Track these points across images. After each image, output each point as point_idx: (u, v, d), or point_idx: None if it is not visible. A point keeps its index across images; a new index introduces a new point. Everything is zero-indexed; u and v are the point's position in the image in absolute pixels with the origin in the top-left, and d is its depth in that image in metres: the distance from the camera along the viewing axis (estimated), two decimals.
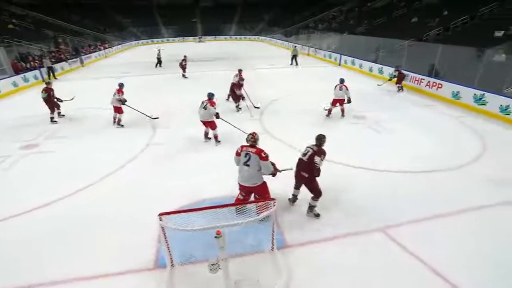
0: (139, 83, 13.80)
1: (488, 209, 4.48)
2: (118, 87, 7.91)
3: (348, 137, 7.25)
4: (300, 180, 4.36)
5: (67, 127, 8.25)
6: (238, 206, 3.28)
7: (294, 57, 18.07)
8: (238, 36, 40.68)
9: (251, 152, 3.86)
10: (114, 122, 8.08)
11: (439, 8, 17.53)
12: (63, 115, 8.99)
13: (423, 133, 7.39)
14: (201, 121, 6.66)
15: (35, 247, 3.89)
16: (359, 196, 4.79)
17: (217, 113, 6.53)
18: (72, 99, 9.06)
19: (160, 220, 3.01)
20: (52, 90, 8.41)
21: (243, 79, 9.22)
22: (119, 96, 7.75)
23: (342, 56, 17.78)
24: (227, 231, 2.84)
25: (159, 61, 18.59)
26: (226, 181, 4.96)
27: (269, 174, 3.99)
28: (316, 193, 4.18)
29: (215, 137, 6.84)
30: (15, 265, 3.62)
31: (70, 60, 17.71)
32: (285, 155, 4.96)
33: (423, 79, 11.20)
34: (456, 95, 9.70)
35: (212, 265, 2.84)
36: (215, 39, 39.78)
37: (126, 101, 7.84)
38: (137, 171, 5.79)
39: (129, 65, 19.88)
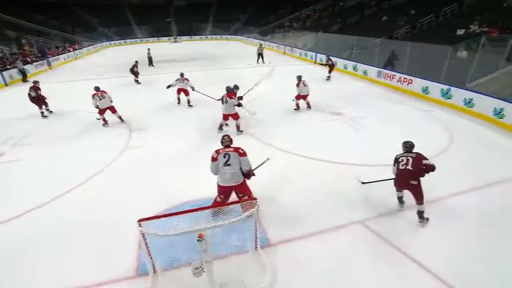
0: (116, 86, 13.29)
1: (457, 197, 4.74)
2: (96, 91, 7.87)
3: (325, 133, 7.41)
4: (405, 188, 4.25)
5: (37, 133, 7.80)
6: (217, 208, 3.25)
7: (260, 55, 18.63)
8: (214, 36, 40.26)
9: (230, 151, 3.89)
10: (106, 122, 8.07)
11: (406, 7, 18.33)
12: (51, 111, 9.23)
13: (396, 127, 7.69)
14: (224, 114, 7.07)
15: (7, 260, 3.66)
16: (337, 191, 4.92)
17: (239, 102, 7.02)
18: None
19: (140, 226, 2.92)
20: (39, 88, 8.82)
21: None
22: (108, 94, 7.97)
23: (318, 54, 18.13)
24: (210, 233, 2.81)
25: (150, 60, 18.54)
26: (206, 182, 4.88)
27: (248, 171, 3.99)
28: (422, 196, 4.08)
29: (238, 126, 7.28)
30: None
31: (36, 63, 16.68)
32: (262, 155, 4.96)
33: (395, 76, 11.67)
34: (425, 90, 10.19)
35: (195, 269, 2.80)
36: (191, 39, 39.11)
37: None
38: (114, 176, 5.59)
39: (103, 67, 19.09)
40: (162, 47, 28.60)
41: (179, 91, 9.53)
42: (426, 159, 4.07)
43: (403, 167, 4.11)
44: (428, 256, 3.56)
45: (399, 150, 6.29)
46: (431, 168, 4.01)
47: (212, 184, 4.18)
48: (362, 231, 4.03)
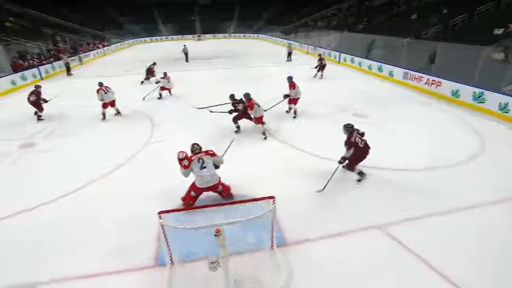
0: (134, 81, 13.79)
1: (486, 207, 4.49)
2: (100, 86, 8.32)
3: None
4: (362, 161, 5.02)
5: (66, 126, 8.24)
6: (234, 204, 3.28)
7: (290, 54, 18.99)
8: (237, 34, 40.55)
9: (202, 155, 4.28)
10: (105, 117, 8.44)
11: (438, 5, 17.50)
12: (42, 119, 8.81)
13: (423, 130, 7.39)
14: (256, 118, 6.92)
15: (35, 246, 3.90)
16: (359, 194, 4.81)
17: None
18: (55, 97, 9.23)
19: (160, 218, 3.02)
20: (40, 93, 8.73)
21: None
22: (112, 89, 8.42)
23: (341, 54, 17.76)
24: (227, 229, 2.85)
25: (186, 56, 19.82)
26: (225, 178, 4.96)
27: (221, 165, 4.48)
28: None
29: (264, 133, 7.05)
30: (18, 264, 3.63)
31: (69, 58, 17.61)
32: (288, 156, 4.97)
33: (422, 77, 11.19)
34: (455, 93, 9.70)
35: (212, 263, 2.85)
36: (214, 37, 39.65)
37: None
38: (136, 170, 5.79)
39: (130, 63, 19.84)
40: (187, 45, 29.15)
41: (162, 88, 10.54)
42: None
43: (363, 145, 4.88)
44: (451, 266, 3.40)
45: (426, 154, 6.15)
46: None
47: (233, 180, 4.23)
48: (381, 236, 3.93)
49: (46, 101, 8.79)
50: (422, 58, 11.89)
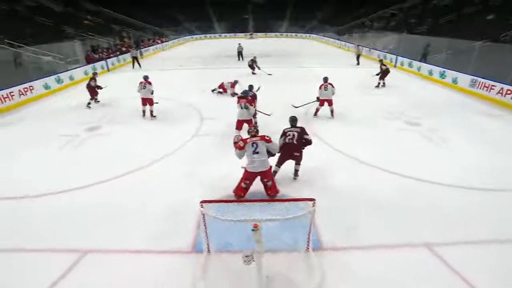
0: (194, 76, 14.60)
1: None
2: (145, 79, 8.23)
3: (398, 144, 6.80)
4: (287, 159, 4.99)
5: (123, 114, 9.05)
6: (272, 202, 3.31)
7: (358, 56, 18.09)
8: (289, 34, 40.41)
9: (256, 140, 4.26)
10: (144, 115, 8.40)
11: None
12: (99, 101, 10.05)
13: (485, 146, 6.60)
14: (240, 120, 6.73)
15: (92, 218, 4.40)
16: (405, 208, 4.49)
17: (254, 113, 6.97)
18: (106, 86, 10.07)
19: (202, 207, 3.16)
20: (95, 80, 9.73)
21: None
22: (151, 86, 8.17)
23: (399, 57, 16.62)
24: (265, 225, 2.89)
25: (240, 54, 19.56)
26: None
27: (276, 153, 4.59)
28: (300, 160, 4.98)
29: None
30: (75, 231, 4.13)
31: (135, 51, 19.14)
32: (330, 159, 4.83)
33: (494, 86, 9.95)
34: None
35: (246, 256, 2.91)
36: (266, 36, 40.03)
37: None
38: (185, 159, 6.13)
39: (185, 59, 21.07)
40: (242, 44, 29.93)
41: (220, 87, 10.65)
42: (307, 134, 4.95)
43: (290, 141, 4.81)
44: None
45: (484, 173, 5.47)
46: (309, 142, 4.94)
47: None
48: (425, 254, 3.63)
49: (100, 88, 9.82)
50: (498, 64, 10.52)
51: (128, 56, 19.10)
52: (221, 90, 10.94)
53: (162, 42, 28.75)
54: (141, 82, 8.17)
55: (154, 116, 8.42)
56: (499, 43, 13.01)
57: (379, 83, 11.71)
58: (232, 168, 5.53)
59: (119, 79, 14.13)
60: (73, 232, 4.11)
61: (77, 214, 4.47)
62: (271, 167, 4.46)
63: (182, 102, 9.83)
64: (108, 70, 16.70)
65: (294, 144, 4.84)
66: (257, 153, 4.20)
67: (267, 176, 4.38)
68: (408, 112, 8.81)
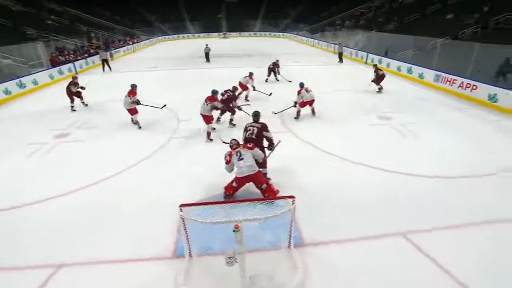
0: (168, 77, 14.25)
1: None
2: (130, 89, 7.57)
3: (370, 139, 7.05)
4: None
5: (94, 119, 8.67)
6: (255, 201, 3.32)
7: (341, 54, 18.29)
8: (263, 33, 40.60)
9: (240, 149, 4.46)
10: (138, 125, 7.83)
11: (478, 4, 16.47)
12: (86, 104, 9.65)
13: (453, 137, 7.02)
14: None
15: (64, 229, 4.17)
16: (380, 199, 4.67)
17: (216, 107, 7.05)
18: (89, 81, 9.84)
19: (181, 211, 3.11)
20: (78, 83, 9.26)
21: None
22: (131, 98, 7.44)
23: (369, 54, 17.25)
24: (246, 225, 2.88)
25: (207, 56, 18.89)
26: None
27: (263, 159, 4.64)
28: (264, 162, 4.94)
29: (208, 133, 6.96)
30: (47, 245, 3.89)
31: (105, 53, 18.31)
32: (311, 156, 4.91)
33: (456, 80, 10.62)
34: (492, 98, 9.10)
35: (229, 258, 2.89)
36: (240, 35, 39.96)
37: (139, 102, 7.59)
38: (160, 163, 5.99)
39: (157, 60, 20.53)
40: (213, 43, 29.65)
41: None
42: (268, 131, 5.03)
43: (249, 136, 4.94)
44: (472, 278, 3.25)
45: (453, 162, 5.85)
46: (269, 140, 5.03)
47: None
48: (403, 243, 3.80)
49: (83, 88, 9.34)
50: (457, 60, 11.23)
51: (97, 58, 18.29)
52: (242, 90, 10.03)
53: (133, 43, 27.81)
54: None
55: (139, 127, 7.78)
56: (458, 40, 13.90)
57: (379, 88, 10.99)
58: (210, 169, 5.51)
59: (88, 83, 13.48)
60: (44, 245, 3.88)
61: (47, 226, 4.22)
62: (260, 171, 4.52)
63: (158, 104, 9.56)
64: (76, 73, 15.85)
65: (254, 139, 4.91)
66: (242, 159, 4.36)
67: (258, 180, 4.44)
68: (380, 107, 9.16)
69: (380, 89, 10.99)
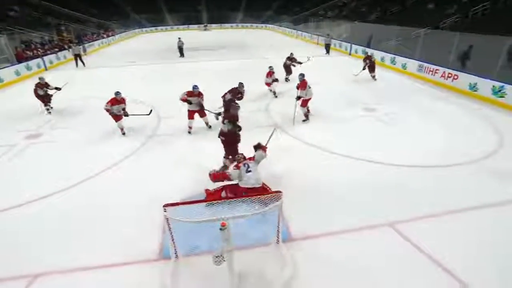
0: (146, 72, 13.90)
1: (500, 207, 4.40)
2: (113, 97, 6.81)
3: (356, 130, 7.19)
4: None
5: (69, 118, 8.37)
6: (241, 199, 3.31)
7: (327, 46, 18.29)
8: (245, 24, 40.28)
9: (246, 162, 4.52)
10: (123, 130, 7.14)
11: None
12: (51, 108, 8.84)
13: (435, 126, 7.28)
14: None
15: (39, 237, 4.00)
16: (367, 191, 4.79)
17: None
18: (66, 84, 9.17)
19: (165, 211, 3.06)
20: (47, 84, 8.60)
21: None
22: (114, 107, 6.77)
23: (353, 45, 17.50)
24: (233, 223, 2.87)
25: (181, 50, 18.22)
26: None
27: (263, 158, 4.68)
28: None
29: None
30: (20, 254, 3.73)
31: (77, 47, 17.50)
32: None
33: (438, 70, 10.97)
34: (473, 87, 9.48)
35: (216, 257, 2.88)
36: (221, 27, 39.46)
37: (127, 114, 7.02)
38: (141, 162, 5.87)
39: (134, 54, 19.96)
40: (193, 35, 29.16)
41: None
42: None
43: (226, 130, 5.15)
44: (461, 267, 3.38)
45: (437, 151, 6.08)
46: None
47: None
48: (391, 233, 3.91)
49: (59, 89, 8.69)
50: (439, 50, 11.60)
51: (69, 53, 17.55)
52: (270, 88, 9.86)
53: (108, 36, 26.88)
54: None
55: (123, 133, 7.14)
56: (439, 30, 14.32)
57: (374, 76, 11.64)
58: (194, 167, 5.45)
59: (60, 79, 12.89)
60: (18, 255, 3.72)
61: (21, 234, 4.05)
62: (263, 184, 4.55)
63: (137, 101, 9.32)
64: (46, 68, 15.17)
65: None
66: (250, 171, 4.43)
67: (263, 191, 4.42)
68: (365, 99, 9.32)
69: (374, 76, 11.62)
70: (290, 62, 11.51)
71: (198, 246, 3.52)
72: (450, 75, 10.43)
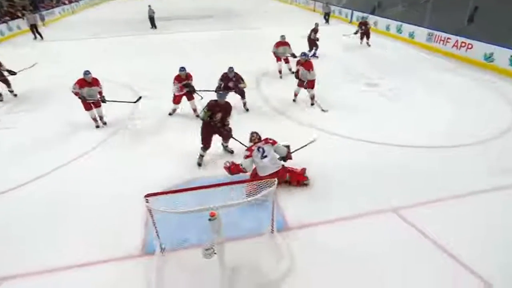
0: (115, 47, 13.55)
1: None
2: (83, 77, 6.21)
3: (357, 108, 7.27)
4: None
5: (31, 100, 8.19)
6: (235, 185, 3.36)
7: (327, 14, 18.09)
8: None
9: (261, 145, 4.46)
10: (97, 122, 6.67)
11: None
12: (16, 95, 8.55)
13: (445, 102, 7.44)
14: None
15: (4, 234, 4.01)
16: (368, 174, 4.91)
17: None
18: (33, 66, 8.90)
19: (147, 202, 3.06)
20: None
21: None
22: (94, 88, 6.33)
23: (354, 12, 17.33)
24: (223, 212, 2.94)
25: (152, 21, 17.42)
26: (221, 157, 5.06)
27: (284, 156, 4.58)
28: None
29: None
30: None
31: (32, 16, 16.74)
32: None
33: (450, 39, 11.03)
34: (489, 58, 9.59)
35: (206, 250, 2.94)
36: None
37: (104, 100, 6.54)
38: (118, 149, 5.86)
39: (103, 24, 19.34)
40: (171, 1, 28.29)
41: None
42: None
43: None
44: (465, 249, 3.58)
45: (445, 129, 6.24)
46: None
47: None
48: (394, 219, 4.07)
49: (13, 73, 8.20)
50: (451, 16, 11.64)
51: (23, 23, 16.81)
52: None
53: (70, 2, 25.82)
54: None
55: (105, 123, 6.82)
56: None
57: (367, 43, 12.56)
58: (176, 152, 5.51)
59: (14, 55, 12.46)
60: None
61: None
62: (282, 166, 4.56)
63: (107, 80, 9.10)
64: None
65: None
66: (265, 156, 4.39)
67: (282, 176, 4.45)
68: (368, 73, 9.39)
69: (368, 43, 12.24)
70: (315, 35, 11.08)
71: (186, 239, 3.60)
72: (463, 44, 10.50)
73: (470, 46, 10.26)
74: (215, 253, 2.97)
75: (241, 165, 4.41)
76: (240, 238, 3.65)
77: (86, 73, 6.22)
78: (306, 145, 4.94)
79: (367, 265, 3.45)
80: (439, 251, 3.60)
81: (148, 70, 10.03)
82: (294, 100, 7.56)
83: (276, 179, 3.38)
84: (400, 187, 4.64)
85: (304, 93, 7.39)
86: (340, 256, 3.55)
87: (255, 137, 4.64)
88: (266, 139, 4.57)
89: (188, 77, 6.68)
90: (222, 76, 6.93)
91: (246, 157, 4.44)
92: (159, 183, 4.60)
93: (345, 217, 4.11)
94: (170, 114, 7.09)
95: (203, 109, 5.13)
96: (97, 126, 6.64)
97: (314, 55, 11.10)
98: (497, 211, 4.22)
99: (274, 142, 4.52)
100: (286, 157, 4.62)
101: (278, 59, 9.19)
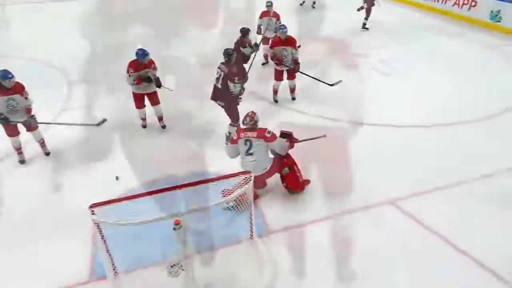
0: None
1: None
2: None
3: (344, 83, 7.18)
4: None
5: None
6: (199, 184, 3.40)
7: None
8: None
9: (252, 137, 4.27)
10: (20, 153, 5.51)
11: None
12: None
13: (446, 72, 7.76)
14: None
15: None
16: (358, 161, 5.06)
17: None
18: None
19: (93, 214, 3.03)
20: None
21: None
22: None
23: None
24: (189, 219, 3.00)
25: None
26: (181, 153, 5.18)
27: (286, 151, 4.43)
28: (233, 119, 5.40)
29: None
30: None
31: None
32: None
33: None
34: (496, 16, 10.01)
35: (171, 267, 2.99)
36: None
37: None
38: (54, 148, 5.73)
39: None
40: None
41: None
42: (234, 80, 5.22)
43: (216, 82, 5.37)
44: (468, 240, 3.86)
45: (447, 105, 6.48)
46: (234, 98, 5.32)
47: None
48: (391, 212, 4.34)
49: None
50: None
51: None
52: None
53: None
54: None
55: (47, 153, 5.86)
56: None
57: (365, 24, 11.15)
58: (124, 154, 5.47)
59: None
60: None
61: None
62: (274, 161, 4.48)
63: (34, 59, 8.75)
64: None
65: (218, 89, 5.26)
66: (250, 154, 4.29)
67: (268, 177, 4.51)
68: (356, 42, 9.62)
69: (365, 24, 11.09)
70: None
71: (144, 255, 3.62)
72: (466, 3, 10.89)
73: (473, 3, 10.66)
74: (182, 269, 3.02)
75: (225, 148, 4.49)
76: (213, 249, 3.74)
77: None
78: (313, 138, 4.79)
79: (359, 267, 3.64)
80: (438, 240, 3.89)
81: (86, 46, 9.57)
82: (276, 101, 7.12)
83: (251, 174, 3.47)
84: (396, 175, 4.87)
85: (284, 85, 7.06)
86: (333, 255, 3.74)
87: (247, 122, 4.37)
88: (262, 130, 4.33)
89: (151, 64, 5.80)
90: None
91: (232, 141, 4.42)
92: (107, 189, 4.46)
93: (333, 214, 4.30)
94: (144, 126, 6.33)
95: (237, 82, 5.25)
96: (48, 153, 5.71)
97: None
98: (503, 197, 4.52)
99: (269, 139, 4.28)
100: (288, 146, 4.42)
101: (265, 41, 8.23)
